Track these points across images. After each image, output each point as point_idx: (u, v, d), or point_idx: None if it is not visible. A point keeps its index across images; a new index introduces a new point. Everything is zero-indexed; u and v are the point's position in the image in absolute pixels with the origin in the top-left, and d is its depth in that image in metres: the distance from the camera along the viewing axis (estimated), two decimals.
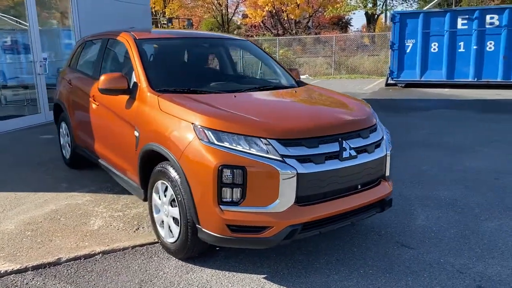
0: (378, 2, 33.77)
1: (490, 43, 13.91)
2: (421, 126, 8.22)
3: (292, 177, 2.76)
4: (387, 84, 15.78)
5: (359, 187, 3.15)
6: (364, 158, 3.09)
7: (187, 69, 4.35)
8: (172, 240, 3.25)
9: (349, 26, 43.78)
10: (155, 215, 3.47)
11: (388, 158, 3.36)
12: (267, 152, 2.80)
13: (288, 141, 2.84)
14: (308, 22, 37.38)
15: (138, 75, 3.69)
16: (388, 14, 36.19)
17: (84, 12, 9.56)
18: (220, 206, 2.81)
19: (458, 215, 4.09)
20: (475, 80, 14.24)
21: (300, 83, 4.33)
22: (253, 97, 3.68)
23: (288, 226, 2.80)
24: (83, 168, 5.48)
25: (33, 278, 3.07)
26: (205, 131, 2.89)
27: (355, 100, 3.77)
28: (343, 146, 2.98)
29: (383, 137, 3.36)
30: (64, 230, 3.79)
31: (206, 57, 4.82)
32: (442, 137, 7.33)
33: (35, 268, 3.18)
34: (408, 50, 14.92)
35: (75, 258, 3.31)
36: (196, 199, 2.91)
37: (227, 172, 2.76)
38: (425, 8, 16.58)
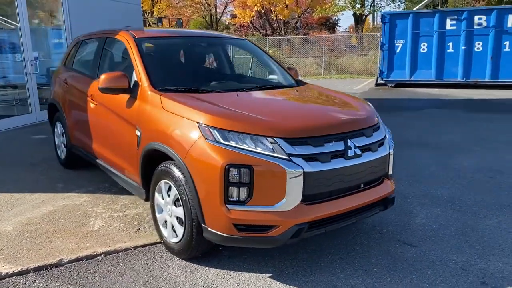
0: (366, 3, 34.04)
1: (478, 44, 14.10)
2: (413, 126, 8.30)
3: (299, 176, 2.76)
4: (377, 84, 15.89)
5: (364, 185, 3.16)
6: (368, 157, 3.11)
7: (188, 68, 4.34)
8: (175, 240, 3.23)
9: (336, 26, 44.02)
10: (157, 215, 3.44)
11: (391, 157, 3.38)
12: (273, 151, 2.80)
13: (294, 140, 2.85)
14: (296, 23, 37.49)
15: (139, 74, 3.66)
16: (376, 15, 36.60)
17: (75, 11, 9.46)
18: (227, 205, 2.80)
19: (457, 213, 4.13)
20: (464, 80, 14.43)
21: (299, 82, 4.34)
22: (256, 96, 3.68)
23: (295, 225, 2.80)
24: (78, 168, 5.42)
25: (35, 280, 3.02)
26: (211, 130, 2.88)
27: (357, 99, 3.79)
28: (348, 144, 3.00)
29: (385, 135, 3.39)
30: (63, 231, 3.74)
31: (206, 56, 4.80)
32: (435, 136, 7.40)
33: (37, 269, 3.14)
34: (398, 50, 15.05)
35: (77, 260, 3.27)
36: (202, 199, 2.89)
37: (233, 171, 2.75)
38: (414, 9, 16.72)
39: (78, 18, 9.46)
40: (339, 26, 46.24)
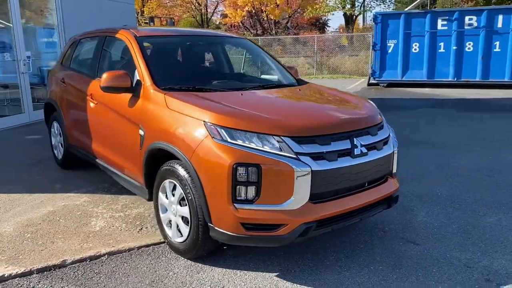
0: (356, 3, 34.21)
1: (469, 44, 14.25)
2: (408, 125, 8.35)
3: (307, 174, 2.76)
4: (369, 84, 15.97)
5: (369, 184, 3.18)
6: (374, 155, 3.12)
7: (190, 67, 4.32)
8: (180, 239, 3.21)
9: (326, 26, 44.20)
10: (161, 215, 3.42)
11: (395, 155, 3.40)
12: (280, 150, 2.79)
13: (301, 138, 2.84)
14: (287, 23, 37.55)
15: (142, 73, 3.63)
16: (365, 15, 36.84)
17: (68, 10, 9.38)
18: (235, 204, 2.79)
19: (457, 211, 4.17)
20: (455, 79, 14.57)
21: (300, 81, 4.35)
22: (260, 95, 3.67)
23: (303, 223, 2.80)
24: (76, 168, 5.37)
25: (39, 282, 2.98)
26: (218, 129, 2.87)
27: (360, 97, 3.81)
28: (354, 143, 3.00)
29: (389, 134, 3.40)
30: (65, 232, 3.70)
31: (208, 55, 4.78)
32: (430, 135, 7.46)
33: (40, 271, 3.10)
34: (389, 50, 15.14)
35: (80, 260, 3.24)
36: (209, 198, 2.88)
37: (241, 170, 2.74)
38: (406, 9, 16.85)
39: (71, 17, 9.38)
40: (329, 26, 46.47)
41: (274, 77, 4.42)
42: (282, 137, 2.82)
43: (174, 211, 3.24)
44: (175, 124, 3.14)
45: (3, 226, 3.80)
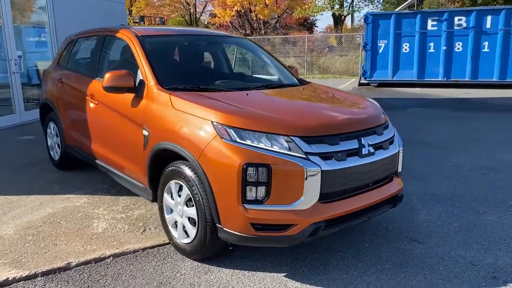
0: (344, 3, 34.39)
1: (458, 44, 14.41)
2: (401, 125, 8.31)
3: (317, 174, 2.76)
4: (360, 84, 16.08)
5: (376, 183, 3.19)
6: (381, 155, 3.13)
7: (192, 66, 4.28)
8: (187, 240, 3.19)
9: (314, 27, 44.38)
10: (166, 216, 3.39)
11: (401, 155, 3.42)
12: (290, 150, 2.79)
13: (311, 138, 2.84)
14: (276, 23, 37.58)
15: (145, 73, 3.60)
16: (354, 15, 37.05)
17: (60, 10, 9.26)
18: (244, 204, 2.78)
19: (458, 209, 4.21)
20: (445, 79, 14.73)
21: (302, 81, 4.35)
22: (265, 95, 3.66)
23: (312, 223, 2.79)
24: (73, 169, 5.30)
25: (44, 285, 2.94)
26: (227, 129, 2.85)
27: (364, 98, 3.82)
28: (362, 143, 3.01)
29: (394, 133, 3.42)
30: (67, 234, 3.65)
31: (210, 55, 4.75)
32: (425, 135, 7.52)
33: (45, 274, 3.05)
34: (380, 51, 15.25)
35: (85, 262, 3.19)
36: (218, 198, 2.86)
37: (251, 171, 2.73)
38: (396, 10, 16.99)
39: (62, 17, 9.27)
40: (317, 27, 46.65)
41: (275, 77, 4.42)
42: (292, 137, 2.81)
43: (180, 212, 3.21)
44: (182, 124, 3.11)
45: (3, 229, 3.73)
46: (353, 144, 2.98)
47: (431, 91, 13.93)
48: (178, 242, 3.28)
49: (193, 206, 3.06)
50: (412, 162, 5.80)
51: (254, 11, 34.68)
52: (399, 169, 3.45)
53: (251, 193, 2.77)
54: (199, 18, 41.69)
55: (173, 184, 3.24)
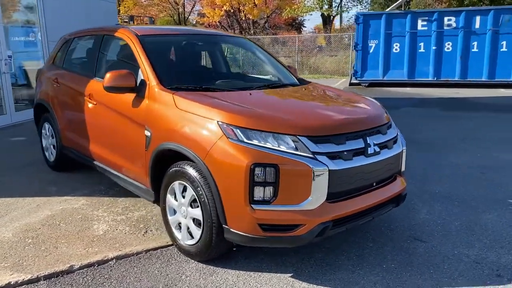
0: (333, 3, 34.52)
1: (448, 44, 14.57)
2: (395, 124, 8.45)
3: (324, 174, 2.75)
4: (351, 84, 16.15)
5: (380, 182, 3.19)
6: (385, 154, 3.14)
7: (193, 66, 4.26)
8: (191, 242, 3.15)
9: (302, 27, 44.50)
10: (169, 217, 3.35)
11: (404, 154, 3.43)
12: (296, 149, 2.78)
13: (318, 138, 2.83)
14: (265, 23, 37.58)
15: (146, 73, 3.55)
16: (343, 16, 37.21)
17: (51, 9, 9.13)
18: (252, 205, 2.75)
19: (457, 208, 4.24)
20: (435, 79, 14.89)
21: (302, 81, 4.34)
22: (269, 95, 3.65)
23: (320, 223, 2.78)
24: (68, 170, 5.23)
25: None
26: (233, 129, 2.82)
27: (366, 98, 3.82)
28: (368, 142, 3.01)
29: (397, 133, 3.43)
30: (67, 236, 3.59)
31: (209, 54, 4.71)
32: (419, 134, 7.57)
33: (47, 277, 2.99)
34: (371, 51, 15.35)
35: (88, 265, 3.14)
36: (225, 199, 2.83)
37: (259, 171, 2.71)
38: (387, 10, 17.10)
39: (53, 16, 9.15)
40: (305, 27, 46.79)
41: (276, 76, 4.40)
42: (298, 137, 2.80)
43: (184, 213, 3.18)
44: (186, 124, 3.08)
45: (2, 232, 3.66)
46: (359, 144, 2.98)
47: (422, 91, 14.05)
48: (182, 243, 3.25)
49: (198, 207, 3.03)
50: (409, 161, 5.81)
51: (243, 11, 34.62)
52: (403, 168, 3.46)
53: (258, 193, 2.74)
54: (187, 18, 41.52)
55: (176, 185, 3.20)
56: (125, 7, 38.08)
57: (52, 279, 2.99)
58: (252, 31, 34.79)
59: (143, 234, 3.64)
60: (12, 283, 2.90)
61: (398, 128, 3.61)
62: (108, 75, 3.49)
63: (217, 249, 3.05)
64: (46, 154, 5.38)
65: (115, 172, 3.99)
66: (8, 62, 8.19)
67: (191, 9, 41.29)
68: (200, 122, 2.99)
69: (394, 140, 3.32)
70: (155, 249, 3.40)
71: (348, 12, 33.69)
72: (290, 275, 3.04)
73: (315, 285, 2.92)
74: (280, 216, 2.77)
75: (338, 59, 21.60)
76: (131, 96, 3.60)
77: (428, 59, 14.80)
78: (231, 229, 2.86)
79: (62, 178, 5.07)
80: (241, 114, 2.92)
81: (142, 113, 3.49)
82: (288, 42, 24.96)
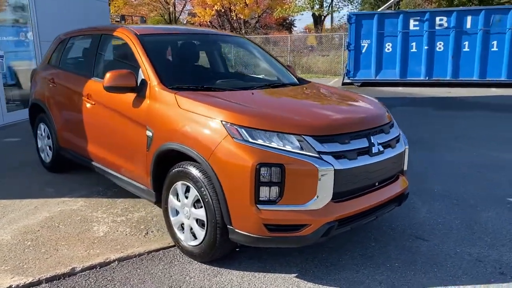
0: (324, 3, 34.61)
1: (440, 44, 14.67)
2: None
3: (330, 173, 2.74)
4: (343, 83, 16.17)
5: (384, 182, 3.20)
6: (389, 153, 3.14)
7: (193, 65, 4.22)
8: (195, 243, 3.13)
9: (292, 27, 44.55)
10: (171, 218, 3.32)
11: (407, 153, 3.44)
12: (301, 149, 2.77)
13: (323, 137, 2.82)
14: (257, 22, 37.56)
15: (147, 73, 3.52)
16: (334, 15, 37.33)
17: (42, 9, 9.02)
18: (257, 205, 2.74)
19: (456, 206, 4.26)
20: (427, 78, 14.98)
21: (301, 81, 4.33)
22: (271, 94, 3.63)
23: (326, 223, 2.78)
24: (65, 171, 5.17)
25: None
26: (238, 129, 2.81)
27: (367, 97, 3.83)
28: (372, 141, 3.01)
29: (400, 132, 3.44)
30: (67, 238, 3.54)
31: (209, 54, 4.68)
32: (413, 133, 7.57)
33: (49, 280, 2.95)
34: (363, 50, 15.40)
35: (90, 267, 3.10)
36: (230, 199, 2.81)
37: (264, 171, 2.70)
38: (379, 10, 17.18)
39: (45, 16, 9.04)
40: (296, 27, 46.83)
41: (275, 76, 4.38)
42: (304, 136, 2.79)
43: (187, 214, 3.15)
44: (190, 124, 3.05)
45: (0, 234, 3.60)
46: (363, 143, 2.98)
47: (414, 90, 14.13)
48: (185, 244, 3.22)
49: (201, 207, 3.01)
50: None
51: (234, 11, 34.57)
52: (405, 168, 3.47)
53: (264, 194, 2.73)
54: (178, 18, 41.36)
55: (179, 185, 3.18)
56: (115, 6, 37.78)
57: (54, 281, 2.95)
58: (243, 31, 34.73)
59: (144, 235, 3.60)
60: (13, 286, 2.85)
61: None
62: (108, 75, 3.45)
63: (221, 249, 3.03)
64: (42, 155, 5.31)
65: (115, 173, 3.95)
66: (0, 61, 8.07)
67: (182, 8, 41.15)
68: (204, 122, 2.97)
69: (397, 139, 3.32)
70: (157, 250, 3.37)
71: (338, 12, 33.76)
72: (295, 275, 3.03)
73: (320, 285, 2.92)
74: (286, 216, 2.76)
75: (330, 58, 21.65)
76: (131, 96, 3.57)
77: (420, 59, 14.89)
78: (236, 230, 2.84)
79: (58, 179, 5.01)
80: (246, 114, 2.90)
81: (143, 113, 3.46)
82: (279, 41, 24.97)
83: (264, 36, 29.54)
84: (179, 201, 3.22)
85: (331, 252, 3.35)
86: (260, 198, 2.74)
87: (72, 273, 3.03)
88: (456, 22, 14.33)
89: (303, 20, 74.51)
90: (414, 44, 14.86)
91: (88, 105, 4.14)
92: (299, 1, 32.83)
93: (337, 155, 2.82)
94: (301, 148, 2.77)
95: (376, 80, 15.45)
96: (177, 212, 3.28)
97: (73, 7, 9.80)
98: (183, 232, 3.24)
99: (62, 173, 5.16)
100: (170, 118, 3.22)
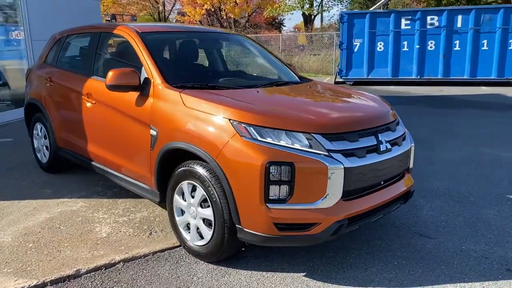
0: (314, 3, 34.68)
1: (431, 43, 14.78)
2: None
3: (340, 172, 2.73)
4: (335, 82, 16.21)
5: (391, 179, 3.19)
6: (396, 151, 3.14)
7: (196, 63, 4.18)
8: (201, 243, 3.09)
9: (282, 26, 44.59)
10: (177, 218, 3.28)
11: (412, 150, 3.44)
12: (311, 147, 2.75)
13: (332, 135, 2.81)
14: (247, 22, 37.51)
15: (150, 71, 3.47)
16: (323, 15, 37.39)
17: (34, 8, 8.88)
18: (267, 204, 2.71)
19: (458, 204, 4.28)
20: (418, 77, 15.09)
21: (303, 79, 4.32)
22: (276, 93, 3.60)
23: (336, 221, 2.76)
24: (62, 172, 5.09)
25: None
26: (247, 127, 2.78)
27: (371, 95, 3.82)
28: (380, 139, 3.01)
29: (405, 130, 3.44)
30: (70, 240, 3.48)
31: (210, 52, 4.64)
32: (410, 131, 7.62)
33: (54, 282, 2.89)
34: (355, 49, 15.46)
35: (95, 269, 3.05)
36: (238, 198, 2.78)
37: (274, 169, 2.67)
38: (371, 9, 17.26)
39: (37, 15, 8.90)
40: (285, 26, 46.87)
41: (278, 75, 4.36)
42: (313, 134, 2.77)
43: (194, 214, 3.11)
44: (196, 123, 3.01)
45: (0, 236, 3.52)
46: (371, 141, 2.97)
47: (406, 89, 14.22)
48: (191, 244, 3.18)
49: (208, 207, 2.98)
50: None
51: (224, 10, 34.47)
52: (411, 165, 3.47)
53: (274, 192, 2.70)
54: (168, 17, 41.15)
55: (185, 185, 3.14)
56: (103, 5, 37.44)
57: (59, 284, 2.89)
58: (233, 30, 34.68)
59: (148, 236, 3.55)
60: None
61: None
62: (110, 74, 3.39)
63: (229, 249, 3.00)
64: (38, 155, 5.22)
65: (117, 173, 3.89)
66: None
67: (172, 7, 40.97)
68: (211, 120, 2.93)
69: (403, 137, 3.32)
70: (162, 250, 3.33)
71: (328, 12, 33.84)
72: (303, 274, 3.02)
73: (330, 284, 2.90)
74: (296, 215, 2.74)
75: (322, 58, 21.70)
76: (134, 95, 3.51)
77: (412, 58, 15.00)
78: (245, 229, 2.81)
79: (56, 179, 4.93)
80: (254, 112, 2.87)
81: (147, 112, 3.41)
82: (270, 41, 24.96)
83: (255, 35, 29.50)
84: (185, 200, 3.18)
85: (338, 251, 3.33)
86: (270, 197, 2.71)
87: (77, 275, 2.98)
88: (447, 22, 14.45)
89: (292, 20, 74.62)
90: (405, 43, 14.96)
91: (88, 104, 4.07)
92: (289, 1, 32.87)
93: (347, 153, 2.81)
94: (310, 146, 2.75)
95: (368, 79, 15.52)
96: (182, 212, 3.24)
97: (65, 5, 9.67)
98: (189, 232, 3.20)
99: (60, 173, 5.08)
100: (175, 117, 3.18)
